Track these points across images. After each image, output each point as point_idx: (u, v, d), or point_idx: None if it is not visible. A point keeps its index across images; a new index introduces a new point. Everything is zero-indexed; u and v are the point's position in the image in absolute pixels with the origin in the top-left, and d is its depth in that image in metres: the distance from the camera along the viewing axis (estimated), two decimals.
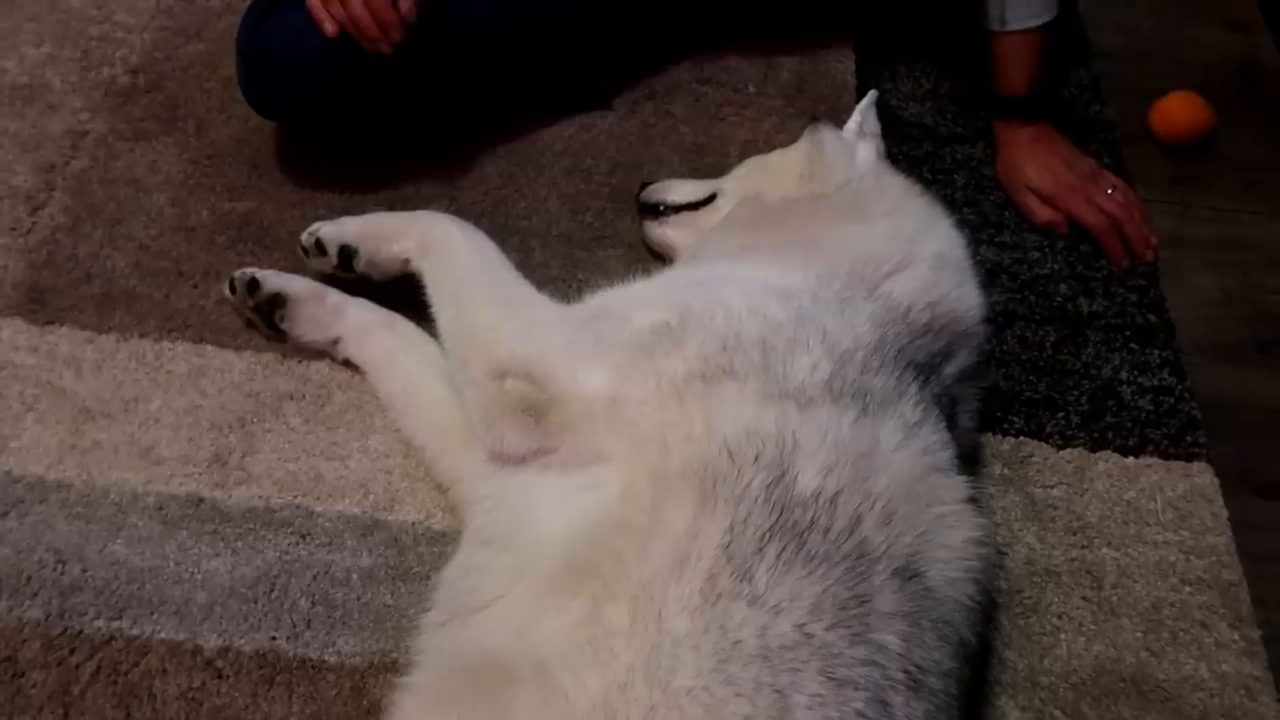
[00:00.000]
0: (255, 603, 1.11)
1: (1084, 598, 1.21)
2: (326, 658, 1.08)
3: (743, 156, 1.46)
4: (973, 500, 0.99)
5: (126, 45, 1.63)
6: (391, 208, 1.42)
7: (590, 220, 1.50)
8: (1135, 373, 1.43)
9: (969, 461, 1.18)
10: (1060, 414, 1.37)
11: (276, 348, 1.31)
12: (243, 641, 1.08)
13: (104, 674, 1.05)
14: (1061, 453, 1.33)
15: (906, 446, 0.96)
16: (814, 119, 1.36)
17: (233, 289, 1.30)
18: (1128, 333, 1.47)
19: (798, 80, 1.71)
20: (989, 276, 1.47)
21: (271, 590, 1.12)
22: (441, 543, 1.15)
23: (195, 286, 1.36)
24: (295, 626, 1.10)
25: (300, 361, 1.30)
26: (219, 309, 1.34)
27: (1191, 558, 1.25)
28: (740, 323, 0.99)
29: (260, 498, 1.18)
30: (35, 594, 1.09)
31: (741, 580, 0.84)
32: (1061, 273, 1.53)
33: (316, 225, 1.29)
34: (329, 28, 1.29)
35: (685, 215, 1.40)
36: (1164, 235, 1.58)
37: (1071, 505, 1.28)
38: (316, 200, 1.47)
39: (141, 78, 1.59)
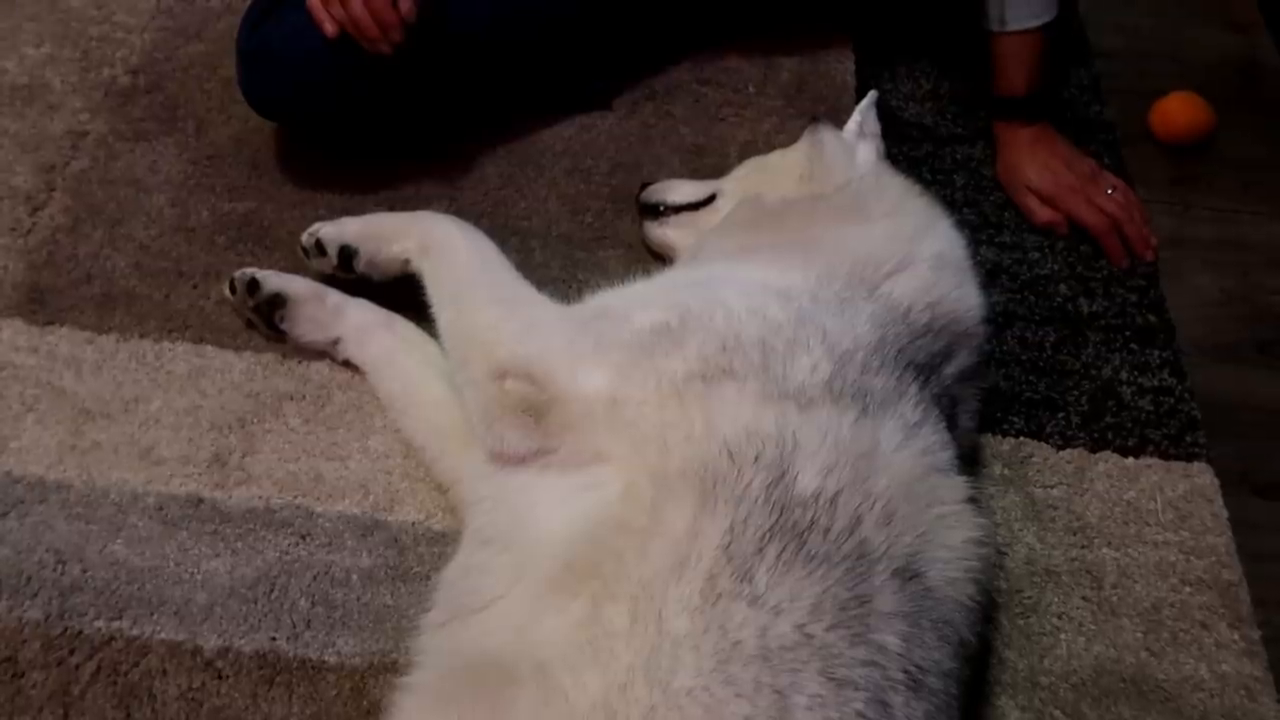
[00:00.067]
0: (255, 603, 1.11)
1: (1084, 598, 1.21)
2: (326, 658, 1.08)
3: (742, 157, 1.46)
4: (973, 500, 0.99)
5: (126, 45, 1.63)
6: (391, 208, 1.42)
7: (590, 221, 1.50)
8: (1135, 373, 1.43)
9: (969, 462, 1.18)
10: (1060, 414, 1.37)
11: (276, 348, 1.31)
12: (243, 642, 1.08)
13: (104, 674, 1.05)
14: (1061, 453, 1.33)
15: (907, 447, 0.96)
16: (814, 119, 1.36)
17: (233, 289, 1.30)
18: (1128, 333, 1.47)
19: (798, 80, 1.71)
20: (989, 277, 1.47)
21: (271, 590, 1.12)
22: (441, 543, 1.15)
23: (195, 287, 1.36)
24: (295, 627, 1.09)
25: (300, 362, 1.30)
26: (219, 309, 1.34)
27: (1191, 558, 1.25)
28: (740, 323, 0.99)
29: (260, 498, 1.18)
30: (35, 594, 1.09)
31: (741, 580, 0.84)
32: (1061, 273, 1.53)
33: (316, 226, 1.29)
34: (329, 28, 1.29)
35: (685, 216, 1.40)
36: (1164, 235, 1.58)
37: (1071, 505, 1.28)
38: (316, 200, 1.47)
39: (141, 78, 1.59)
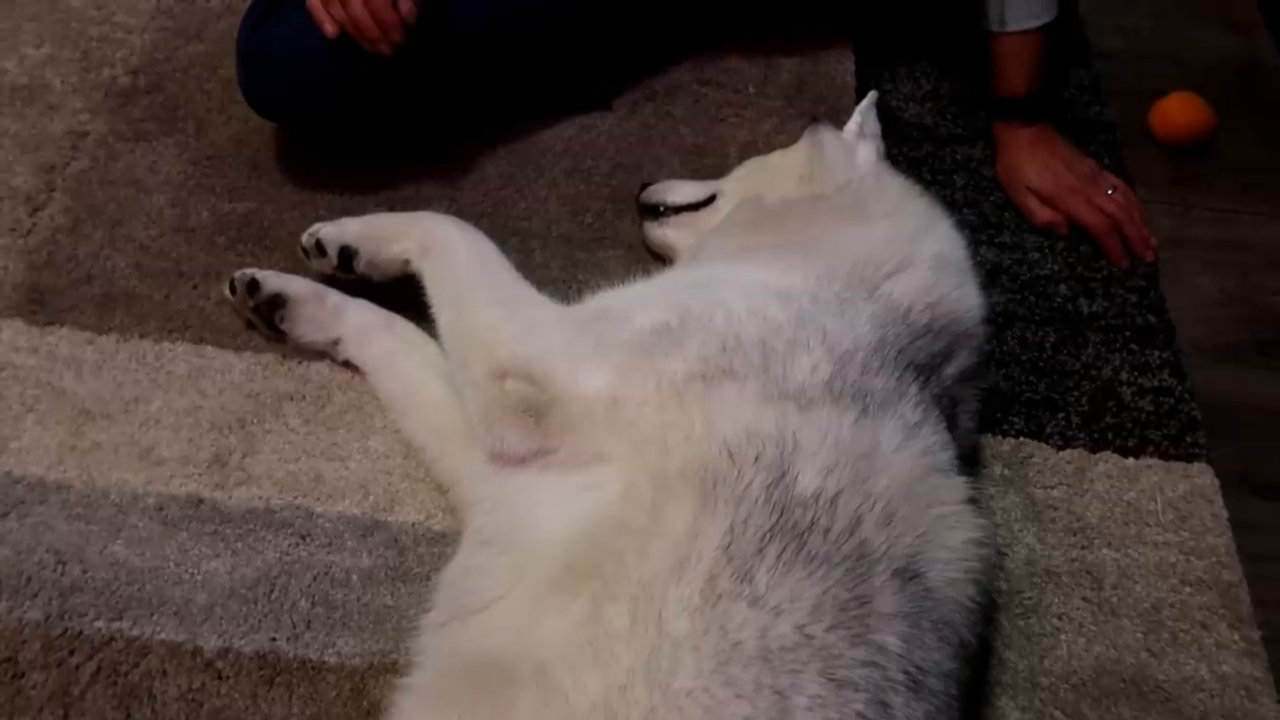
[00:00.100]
0: (255, 604, 1.11)
1: (1084, 598, 1.21)
2: (326, 659, 1.08)
3: (742, 157, 1.46)
4: (973, 501, 0.99)
5: (126, 46, 1.63)
6: (391, 208, 1.42)
7: (590, 221, 1.50)
8: (1135, 373, 1.43)
9: (969, 462, 1.18)
10: (1060, 415, 1.37)
11: (276, 348, 1.31)
12: (243, 642, 1.08)
13: (104, 675, 1.05)
14: (1061, 453, 1.33)
15: (907, 447, 0.96)
16: (814, 120, 1.36)
17: (233, 290, 1.30)
18: (1128, 333, 1.47)
19: (798, 81, 1.71)
20: (989, 277, 1.47)
21: (271, 591, 1.12)
22: (441, 544, 1.15)
23: (195, 287, 1.36)
24: (295, 627, 1.09)
25: (300, 362, 1.30)
26: (219, 310, 1.34)
27: (1191, 558, 1.25)
28: (740, 324, 0.99)
29: (260, 498, 1.18)
30: (35, 595, 1.09)
31: (742, 581, 0.84)
32: (1061, 273, 1.53)
33: (316, 226, 1.29)
34: (329, 29, 1.29)
35: (685, 216, 1.40)
36: (1164, 236, 1.58)
37: (1071, 506, 1.28)
38: (316, 201, 1.47)
39: (141, 78, 1.59)
